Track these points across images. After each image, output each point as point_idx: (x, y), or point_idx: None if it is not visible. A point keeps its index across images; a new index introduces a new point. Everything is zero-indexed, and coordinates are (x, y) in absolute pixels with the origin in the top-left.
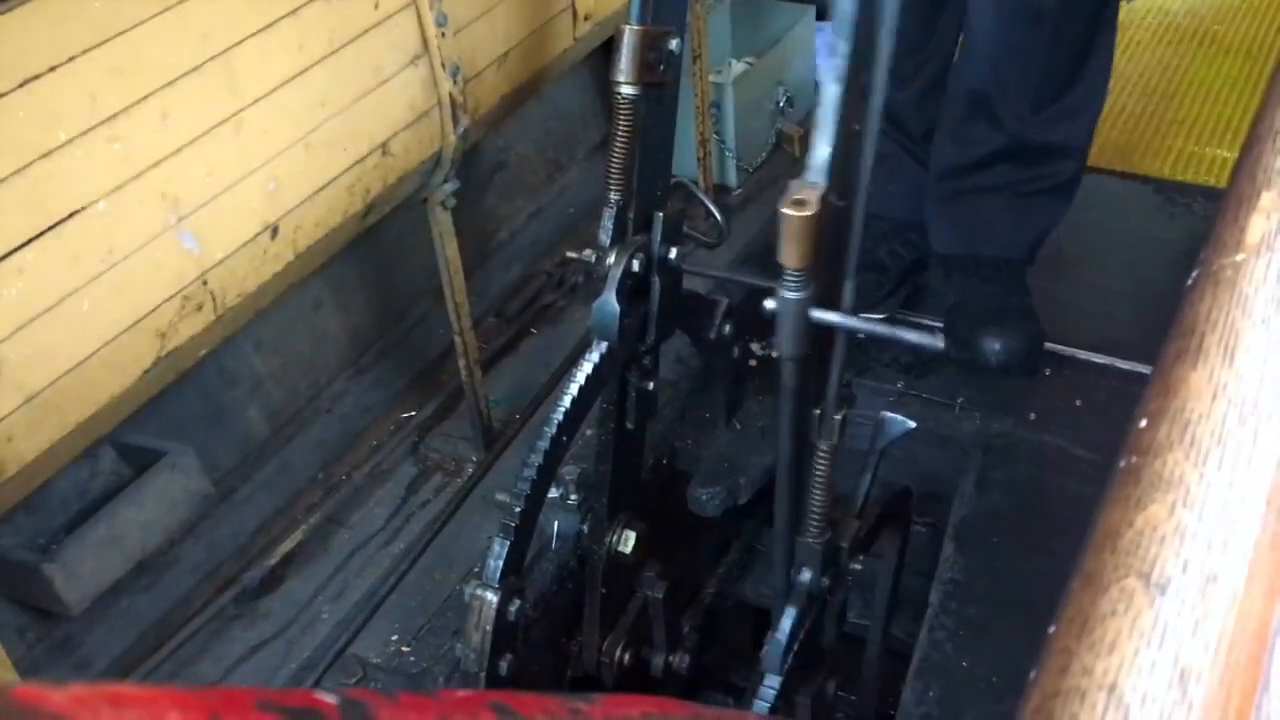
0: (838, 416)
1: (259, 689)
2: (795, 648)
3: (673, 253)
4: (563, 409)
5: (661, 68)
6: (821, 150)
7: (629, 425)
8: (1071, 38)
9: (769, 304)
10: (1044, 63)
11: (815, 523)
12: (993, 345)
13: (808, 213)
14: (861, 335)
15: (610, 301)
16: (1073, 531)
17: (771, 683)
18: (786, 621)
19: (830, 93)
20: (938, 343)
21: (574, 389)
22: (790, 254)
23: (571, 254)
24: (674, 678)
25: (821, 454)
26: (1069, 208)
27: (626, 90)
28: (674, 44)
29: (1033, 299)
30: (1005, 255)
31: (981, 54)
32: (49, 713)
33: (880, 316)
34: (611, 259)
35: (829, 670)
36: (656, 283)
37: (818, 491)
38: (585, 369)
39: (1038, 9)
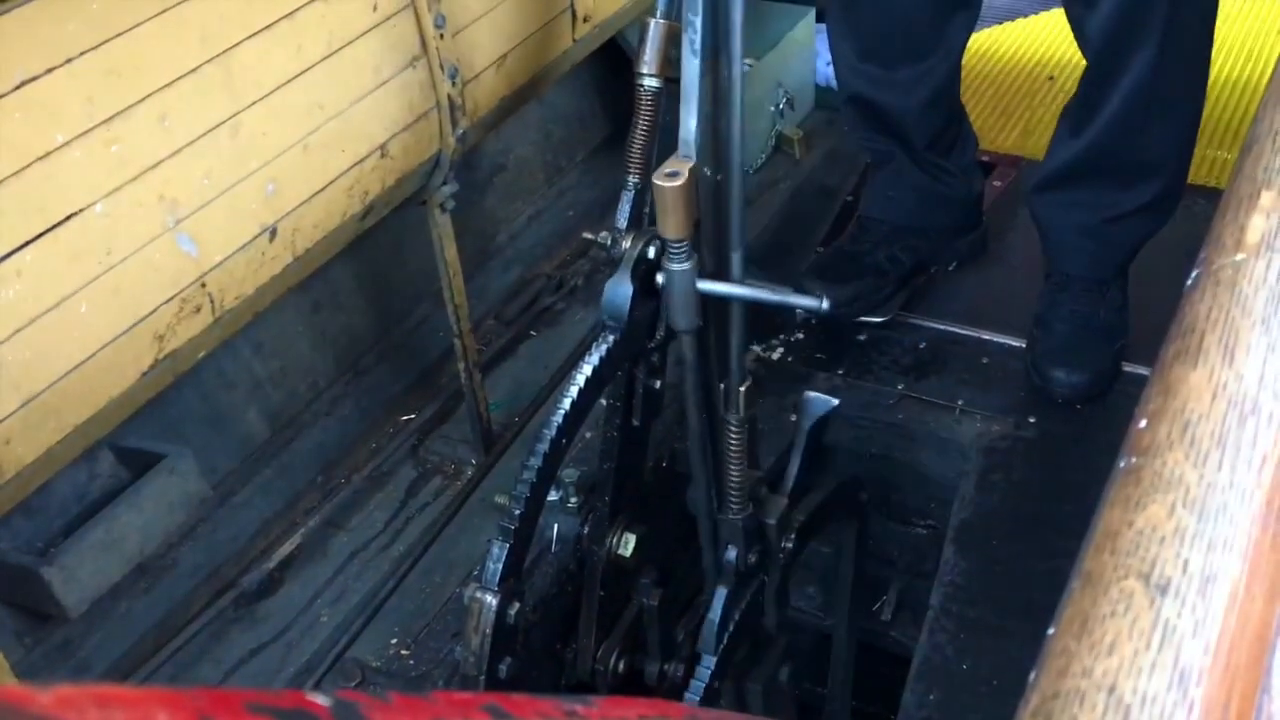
0: (742, 389)
1: (250, 690)
2: (730, 628)
3: None
4: (563, 411)
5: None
6: (689, 124)
7: (635, 423)
8: (1172, 56)
9: (659, 278)
10: (1142, 77)
11: (735, 498)
12: (1060, 377)
13: (678, 183)
14: (753, 303)
15: (624, 282)
16: (1074, 533)
17: (708, 663)
18: (717, 602)
19: (690, 67)
20: (822, 304)
21: (577, 384)
22: (669, 224)
23: (588, 235)
24: (669, 686)
25: (732, 428)
26: (1162, 225)
27: (649, 82)
28: None
29: (1126, 311)
30: (1091, 275)
31: (1088, 67)
32: (35, 714)
33: (866, 320)
34: (628, 242)
35: (781, 657)
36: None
37: (733, 466)
38: (592, 361)
39: (1143, 24)
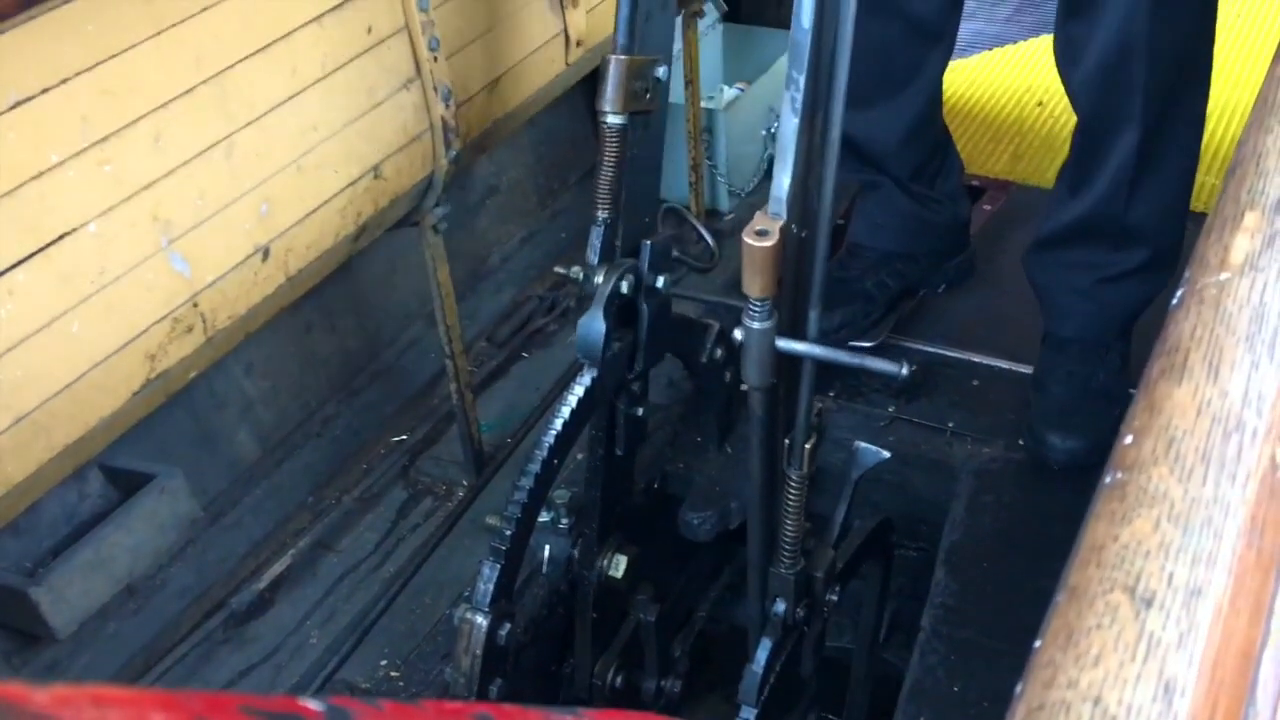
0: (808, 445)
1: (244, 695)
2: (771, 679)
3: (660, 280)
4: (553, 432)
5: (648, 95)
6: (781, 182)
7: (618, 451)
8: (1159, 130)
9: (737, 334)
10: (1129, 149)
11: (788, 552)
12: (1055, 442)
13: (769, 243)
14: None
15: (597, 319)
16: (1065, 556)
17: (748, 715)
18: (762, 653)
19: (788, 125)
20: (901, 370)
21: (563, 415)
22: (754, 284)
23: (560, 269)
24: (666, 703)
25: (793, 483)
26: (1161, 289)
27: (613, 119)
28: (661, 71)
29: (1126, 375)
30: (1089, 337)
31: (1077, 129)
32: (32, 712)
33: (856, 347)
34: (600, 278)
35: (809, 702)
36: (644, 309)
37: (790, 521)
38: (574, 396)
39: (1126, 99)
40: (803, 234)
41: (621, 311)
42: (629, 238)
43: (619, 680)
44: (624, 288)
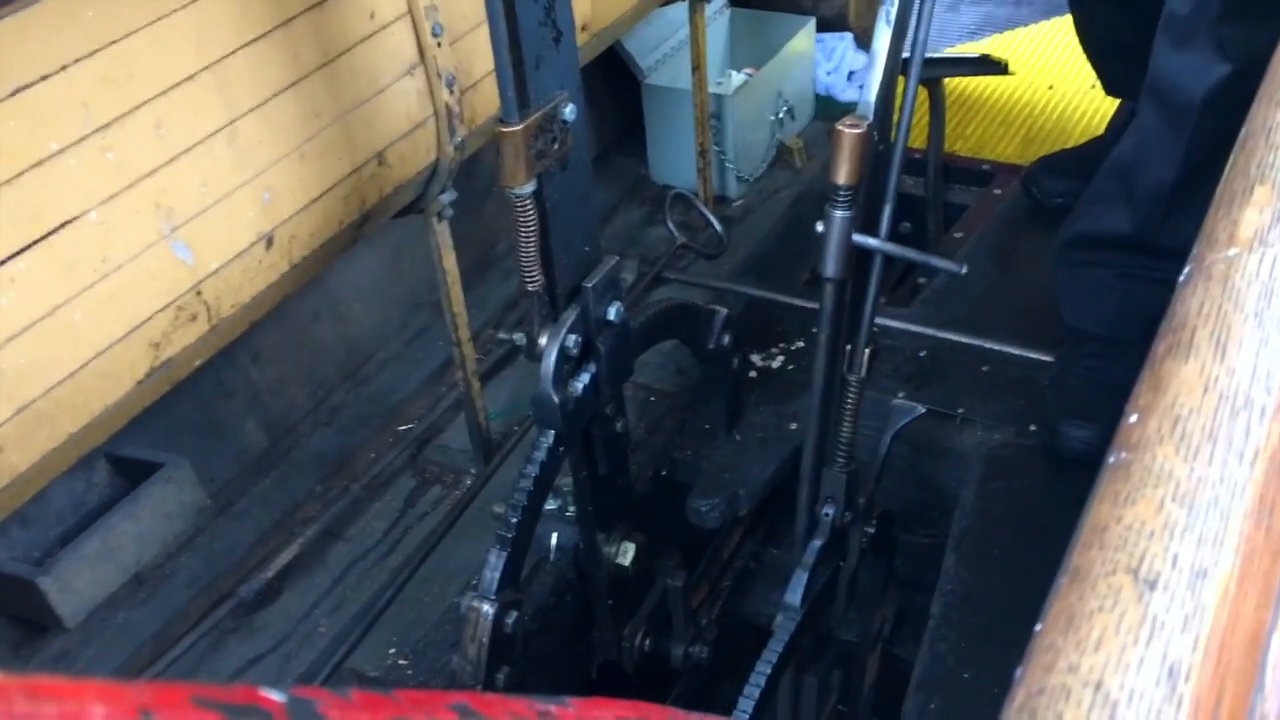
0: (867, 350)
1: (197, 684)
2: (817, 586)
3: (613, 311)
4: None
5: (557, 144)
6: (871, 92)
7: (601, 471)
8: (1214, 144)
9: (818, 226)
10: (1178, 167)
11: (842, 453)
12: (1069, 431)
13: (859, 130)
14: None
15: (548, 395)
16: None
17: (793, 615)
18: (810, 555)
19: (882, 36)
20: (962, 269)
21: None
22: (841, 170)
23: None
24: (694, 669)
25: (851, 387)
26: None
27: (520, 190)
28: (568, 111)
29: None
30: (1110, 334)
31: (1132, 132)
32: None
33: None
34: (543, 342)
35: (834, 659)
36: (601, 348)
37: (845, 423)
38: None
39: (1184, 102)
40: (880, 146)
41: (576, 362)
42: (570, 281)
43: (647, 644)
44: (570, 347)
